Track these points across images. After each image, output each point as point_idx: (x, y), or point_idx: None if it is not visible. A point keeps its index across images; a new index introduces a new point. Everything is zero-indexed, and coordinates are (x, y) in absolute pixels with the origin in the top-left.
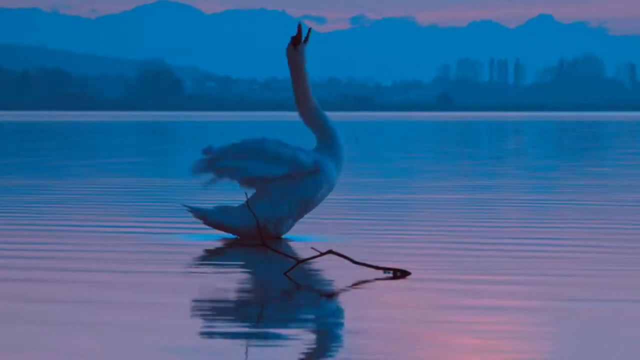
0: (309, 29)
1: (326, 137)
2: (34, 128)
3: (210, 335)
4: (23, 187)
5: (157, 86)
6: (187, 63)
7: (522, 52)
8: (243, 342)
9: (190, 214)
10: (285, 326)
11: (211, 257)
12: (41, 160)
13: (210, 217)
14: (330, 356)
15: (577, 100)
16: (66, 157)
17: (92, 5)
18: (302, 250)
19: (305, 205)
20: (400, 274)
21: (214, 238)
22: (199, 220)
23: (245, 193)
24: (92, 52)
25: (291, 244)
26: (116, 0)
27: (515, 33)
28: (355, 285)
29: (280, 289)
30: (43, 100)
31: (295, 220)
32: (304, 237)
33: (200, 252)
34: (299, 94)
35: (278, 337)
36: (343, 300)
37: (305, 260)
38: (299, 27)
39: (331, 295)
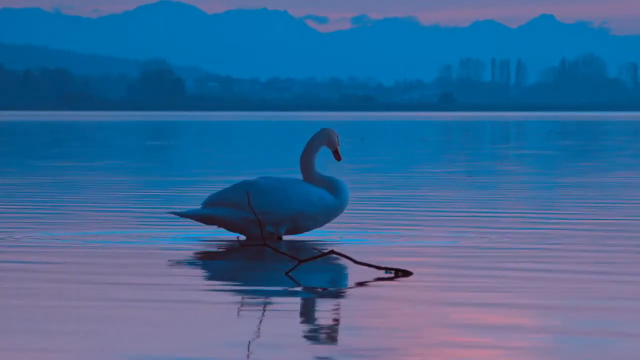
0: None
1: (328, 182)
2: (36, 128)
3: (210, 335)
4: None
5: (159, 86)
6: (189, 63)
7: (524, 52)
8: (243, 341)
9: (181, 218)
10: (286, 326)
11: (212, 257)
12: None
13: (202, 211)
14: (330, 356)
15: (579, 100)
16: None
17: (94, 5)
18: (303, 250)
19: (295, 219)
20: (401, 274)
21: (215, 239)
22: (191, 220)
23: (247, 192)
24: (94, 52)
25: (293, 244)
26: (118, 0)
27: (517, 33)
28: (356, 285)
29: (281, 289)
30: (45, 100)
31: (282, 229)
32: (306, 237)
33: (200, 252)
34: (304, 162)
35: (278, 337)
36: (344, 300)
37: (306, 260)
38: None
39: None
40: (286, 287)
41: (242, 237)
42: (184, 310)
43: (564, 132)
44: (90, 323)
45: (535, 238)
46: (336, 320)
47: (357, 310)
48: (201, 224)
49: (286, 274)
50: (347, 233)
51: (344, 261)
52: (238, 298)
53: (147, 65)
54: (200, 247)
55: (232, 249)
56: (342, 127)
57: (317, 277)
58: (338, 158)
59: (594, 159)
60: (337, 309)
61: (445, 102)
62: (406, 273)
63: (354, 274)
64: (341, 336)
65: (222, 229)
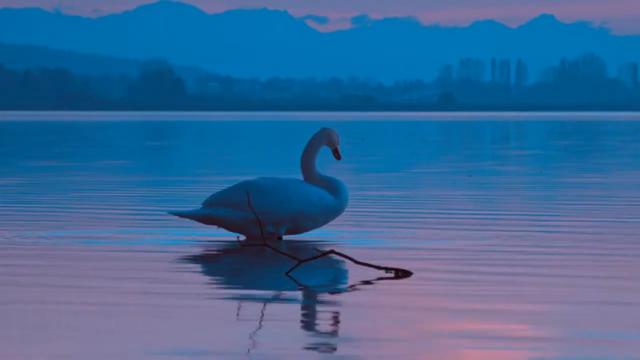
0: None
1: (328, 183)
2: (36, 128)
3: (210, 334)
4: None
5: (159, 86)
6: (189, 63)
7: (524, 52)
8: (243, 342)
9: (178, 217)
10: (285, 326)
11: (212, 257)
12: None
13: (202, 211)
14: (330, 355)
15: (579, 100)
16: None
17: (94, 5)
18: (303, 250)
19: (296, 219)
20: (402, 274)
21: (215, 239)
22: (190, 220)
23: (247, 192)
24: (94, 52)
25: (293, 244)
26: (118, 0)
27: (517, 33)
28: (356, 285)
29: (281, 289)
30: (45, 101)
31: (282, 228)
32: (306, 237)
33: (200, 252)
34: (304, 162)
35: (278, 337)
36: (344, 300)
37: (306, 260)
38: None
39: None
40: (286, 287)
41: (242, 237)
42: (184, 311)
43: (564, 132)
44: (89, 324)
45: (535, 239)
46: (336, 320)
47: (357, 311)
48: (201, 224)
49: (286, 274)
50: (347, 233)
51: (344, 261)
52: (238, 298)
53: (147, 65)
54: (200, 248)
55: (232, 249)
56: (342, 127)
57: (317, 277)
58: (338, 157)
59: (594, 159)
60: (337, 309)
61: (445, 102)
62: (406, 273)
63: (354, 274)
64: (340, 336)
65: (222, 229)
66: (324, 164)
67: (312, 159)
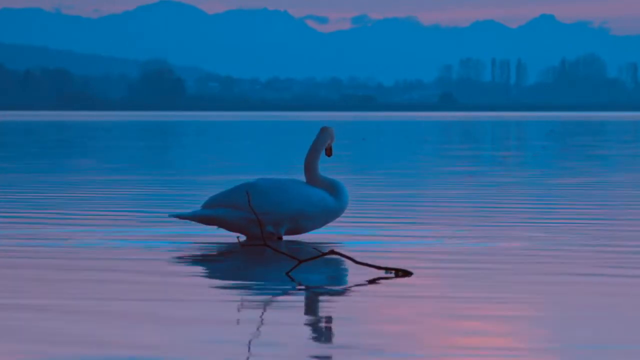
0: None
1: (329, 184)
2: (35, 128)
3: (210, 335)
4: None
5: (159, 86)
6: (189, 63)
7: (524, 52)
8: (243, 341)
9: (179, 219)
10: (285, 326)
11: (212, 257)
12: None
13: (202, 212)
14: (329, 356)
15: (579, 100)
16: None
17: (94, 5)
18: (303, 250)
19: (296, 219)
20: (402, 274)
21: (215, 239)
22: (191, 221)
23: (247, 192)
24: (95, 52)
25: (293, 244)
26: (118, 0)
27: (517, 33)
28: (356, 285)
29: (281, 289)
30: (45, 100)
31: (282, 228)
32: (306, 237)
33: (200, 252)
34: (308, 163)
35: (278, 337)
36: (344, 300)
37: (306, 260)
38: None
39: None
40: (286, 287)
41: (242, 237)
42: (184, 310)
43: (564, 132)
44: (90, 322)
45: (536, 239)
46: (336, 320)
47: (357, 311)
48: (201, 224)
49: (286, 274)
50: (347, 233)
51: (344, 261)
52: (238, 298)
53: (147, 65)
54: (200, 247)
55: (232, 249)
56: (342, 127)
57: (317, 277)
58: (329, 154)
59: (594, 158)
60: (337, 309)
61: (445, 102)
62: (406, 273)
63: (354, 274)
64: (341, 336)
65: (222, 229)
66: (324, 164)
67: (316, 160)
